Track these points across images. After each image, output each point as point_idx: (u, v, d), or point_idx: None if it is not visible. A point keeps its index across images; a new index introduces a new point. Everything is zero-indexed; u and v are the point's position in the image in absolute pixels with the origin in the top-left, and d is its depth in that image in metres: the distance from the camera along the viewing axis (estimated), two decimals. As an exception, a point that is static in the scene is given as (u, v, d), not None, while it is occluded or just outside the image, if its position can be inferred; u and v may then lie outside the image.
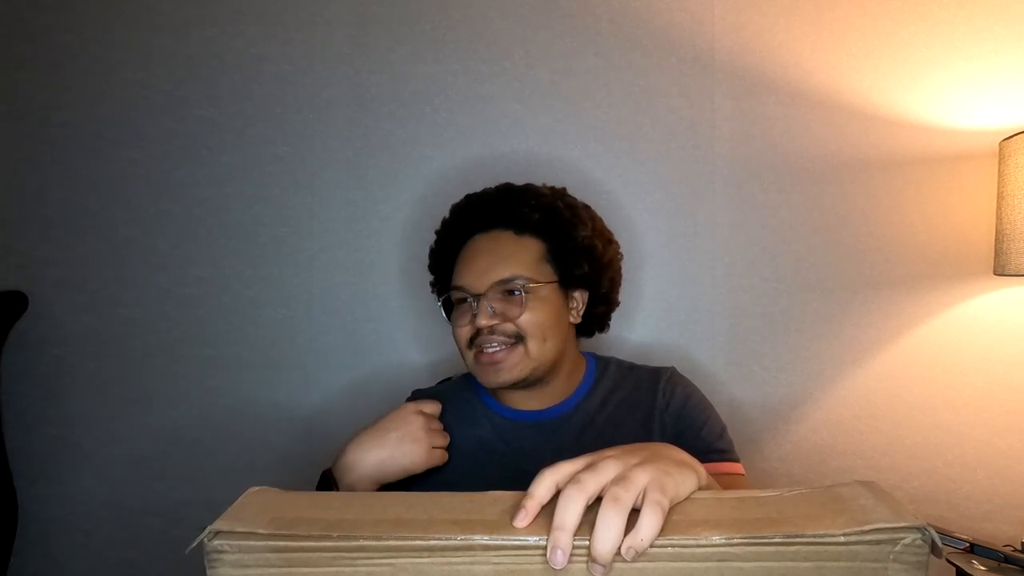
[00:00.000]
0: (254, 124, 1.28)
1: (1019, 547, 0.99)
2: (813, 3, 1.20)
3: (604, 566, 0.36)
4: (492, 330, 0.82)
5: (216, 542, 0.37)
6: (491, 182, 1.25)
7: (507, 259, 0.84)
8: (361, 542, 0.37)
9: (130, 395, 1.29)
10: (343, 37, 1.27)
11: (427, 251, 1.27)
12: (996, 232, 1.08)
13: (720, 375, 1.23)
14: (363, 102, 1.27)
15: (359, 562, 0.37)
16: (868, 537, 0.36)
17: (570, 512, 0.37)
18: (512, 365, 0.82)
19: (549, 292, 0.85)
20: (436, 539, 0.36)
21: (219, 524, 0.38)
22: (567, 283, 0.87)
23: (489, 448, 0.87)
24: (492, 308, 0.82)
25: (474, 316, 0.82)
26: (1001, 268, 1.05)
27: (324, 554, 0.37)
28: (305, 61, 1.28)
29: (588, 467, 0.41)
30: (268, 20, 1.28)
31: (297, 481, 1.28)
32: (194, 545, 0.37)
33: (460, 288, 0.85)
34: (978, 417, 1.17)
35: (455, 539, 0.36)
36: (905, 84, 1.19)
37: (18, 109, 1.29)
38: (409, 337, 1.28)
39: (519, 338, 0.82)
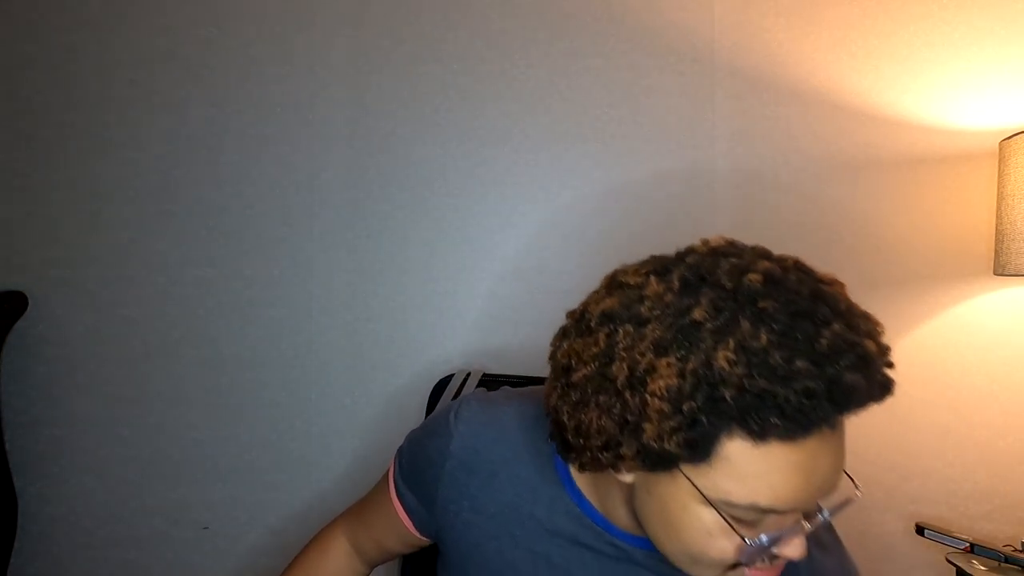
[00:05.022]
0: (254, 124, 1.28)
1: (1019, 547, 0.99)
2: (813, 3, 1.20)
3: None
4: None
5: None
6: (491, 182, 1.26)
7: (841, 459, 0.51)
8: None
9: (130, 395, 1.29)
10: (343, 37, 1.27)
11: (427, 250, 1.29)
12: (996, 232, 1.08)
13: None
14: (363, 102, 1.27)
15: None
16: None
17: None
18: None
19: None
20: None
21: None
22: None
23: (559, 556, 0.64)
24: None
25: (780, 542, 0.50)
26: (1001, 268, 1.05)
27: None
28: (305, 61, 1.27)
29: None
30: (268, 20, 1.28)
31: (296, 480, 1.28)
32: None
33: (779, 511, 0.49)
34: (978, 417, 1.17)
35: None
36: (905, 84, 1.19)
37: (18, 109, 1.29)
38: (409, 337, 1.28)
39: None
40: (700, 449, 0.46)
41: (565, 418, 0.54)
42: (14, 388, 1.29)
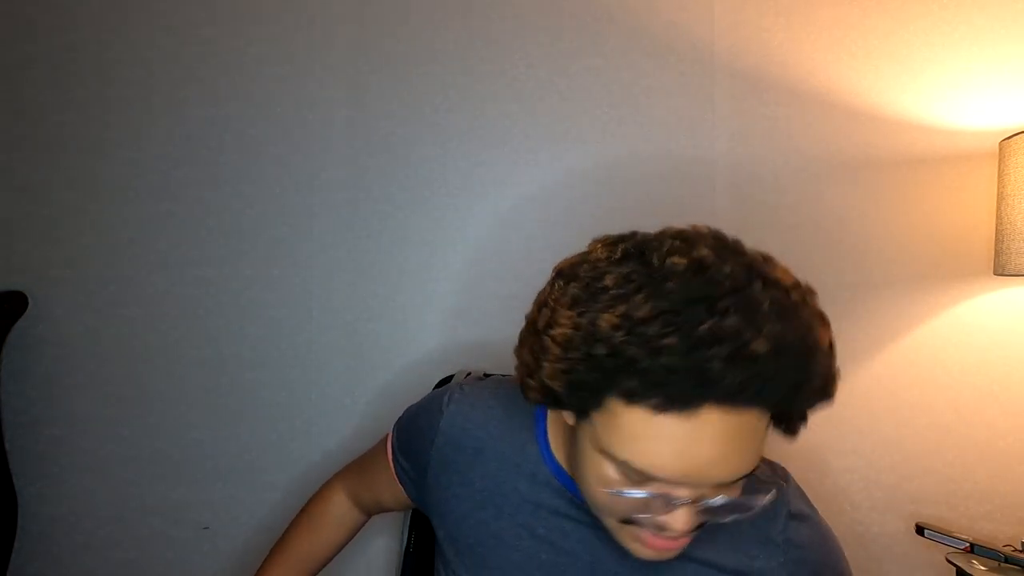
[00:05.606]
0: (254, 124, 1.28)
1: (1019, 547, 0.99)
2: (813, 3, 1.20)
3: None
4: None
5: None
6: (491, 183, 1.26)
7: (747, 451, 0.51)
8: None
9: (130, 395, 1.29)
10: (343, 37, 1.27)
11: (427, 250, 1.29)
12: (996, 232, 1.08)
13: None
14: (363, 102, 1.27)
15: None
16: None
17: None
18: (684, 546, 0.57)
19: None
20: None
21: None
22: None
23: (542, 524, 0.68)
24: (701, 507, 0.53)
25: (664, 505, 0.53)
26: (1001, 268, 1.05)
27: None
28: (305, 61, 1.27)
29: None
30: (268, 20, 1.28)
31: (295, 480, 1.28)
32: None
33: (655, 481, 0.52)
34: (978, 417, 1.17)
35: None
36: (905, 84, 1.19)
37: (18, 109, 1.29)
38: (409, 337, 1.28)
39: None
40: (580, 396, 0.53)
41: (516, 353, 0.61)
42: (14, 388, 1.29)
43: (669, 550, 0.56)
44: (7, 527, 1.24)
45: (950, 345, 1.18)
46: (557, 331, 0.53)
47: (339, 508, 0.88)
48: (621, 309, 0.49)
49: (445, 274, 1.27)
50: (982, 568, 0.97)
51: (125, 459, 1.29)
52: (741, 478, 0.52)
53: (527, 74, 1.25)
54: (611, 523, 0.58)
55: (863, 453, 1.20)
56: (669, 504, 0.52)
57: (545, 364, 0.54)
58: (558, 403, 0.56)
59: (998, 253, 1.06)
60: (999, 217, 1.06)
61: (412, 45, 1.26)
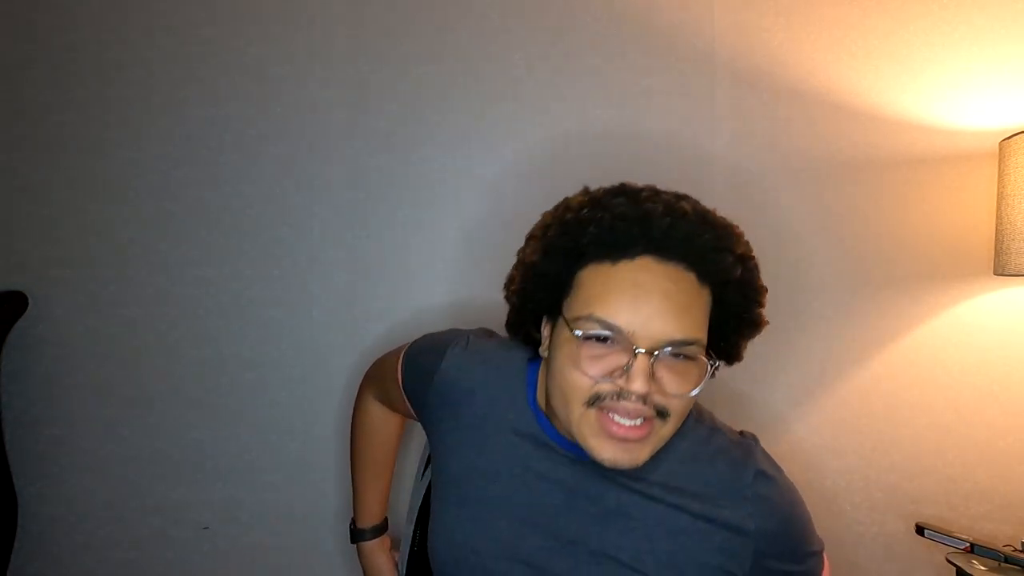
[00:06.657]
0: (254, 124, 1.28)
1: (1019, 547, 0.99)
2: (813, 3, 1.20)
3: None
4: (643, 399, 0.62)
5: None
6: (491, 183, 1.26)
7: (689, 313, 0.63)
8: None
9: (130, 395, 1.29)
10: (343, 37, 1.27)
11: (428, 250, 1.29)
12: (996, 232, 1.08)
13: (720, 374, 1.23)
14: (363, 102, 1.27)
15: None
16: None
17: None
18: (643, 446, 0.64)
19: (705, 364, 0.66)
20: None
21: None
22: (713, 357, 0.68)
23: (521, 462, 0.75)
24: (654, 372, 0.62)
25: (625, 373, 0.62)
26: (1001, 268, 1.05)
27: None
28: (305, 61, 1.27)
29: None
30: (268, 20, 1.28)
31: (296, 480, 1.28)
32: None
33: (615, 329, 0.62)
34: (978, 417, 1.17)
35: None
36: (905, 84, 1.19)
37: (18, 109, 1.29)
38: (409, 338, 1.27)
39: (662, 414, 0.64)
40: (555, 263, 0.68)
41: (505, 290, 0.76)
42: (14, 388, 1.29)
43: (629, 442, 0.63)
44: (7, 527, 1.24)
45: (950, 345, 1.18)
46: (535, 225, 0.72)
47: (377, 411, 0.98)
48: (584, 190, 0.72)
49: (445, 275, 1.27)
50: (982, 568, 0.97)
51: (125, 459, 1.29)
52: (685, 343, 0.63)
53: (527, 74, 1.25)
54: (577, 414, 0.65)
55: (863, 453, 1.20)
56: (628, 363, 0.62)
57: (526, 251, 0.72)
58: (528, 279, 0.71)
59: (998, 253, 1.06)
60: (999, 217, 1.06)
61: (412, 45, 1.26)
